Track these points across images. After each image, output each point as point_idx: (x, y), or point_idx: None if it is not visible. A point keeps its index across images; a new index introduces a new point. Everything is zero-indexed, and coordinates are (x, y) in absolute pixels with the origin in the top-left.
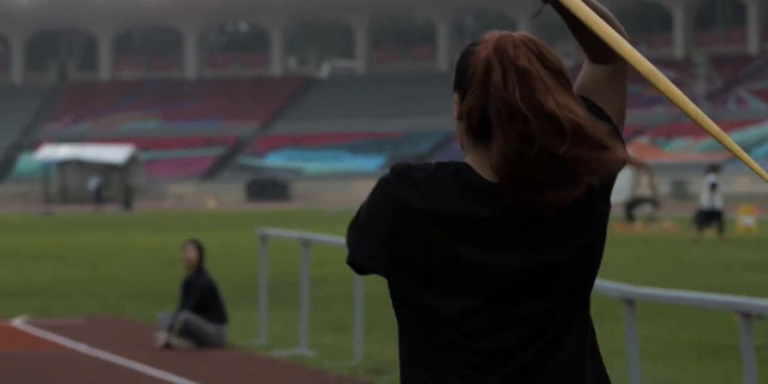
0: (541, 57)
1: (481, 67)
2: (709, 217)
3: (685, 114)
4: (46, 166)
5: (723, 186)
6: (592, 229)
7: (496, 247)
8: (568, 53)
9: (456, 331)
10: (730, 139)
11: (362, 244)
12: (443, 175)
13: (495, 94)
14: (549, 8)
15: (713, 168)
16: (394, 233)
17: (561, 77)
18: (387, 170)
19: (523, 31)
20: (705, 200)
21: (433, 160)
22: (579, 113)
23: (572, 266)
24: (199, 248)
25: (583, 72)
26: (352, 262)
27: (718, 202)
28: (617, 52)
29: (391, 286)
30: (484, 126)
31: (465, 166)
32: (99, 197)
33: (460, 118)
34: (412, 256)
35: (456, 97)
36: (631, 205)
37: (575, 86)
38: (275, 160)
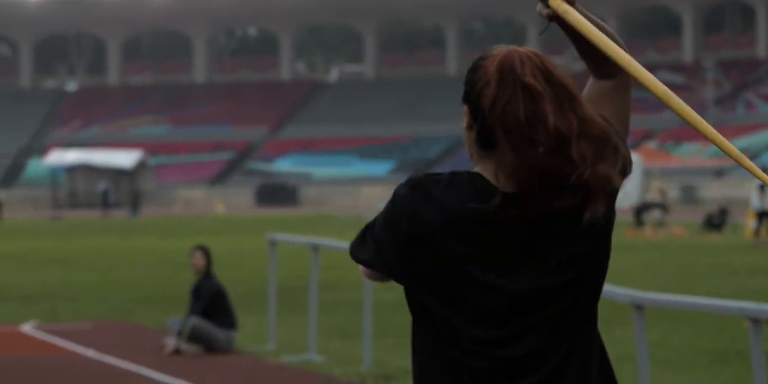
0: (547, 73)
1: (488, 82)
2: (761, 218)
3: (702, 133)
4: (55, 171)
5: (731, 191)
6: (598, 242)
7: (507, 261)
8: (576, 58)
9: (470, 340)
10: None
11: (372, 249)
12: (458, 183)
13: (502, 109)
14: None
15: (764, 170)
16: (409, 246)
17: (566, 91)
18: (403, 182)
19: (528, 48)
20: (755, 202)
21: (442, 165)
22: (579, 126)
23: (579, 281)
24: (207, 254)
25: (589, 86)
26: (360, 260)
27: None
28: (628, 71)
29: (406, 290)
30: (491, 137)
31: (477, 175)
32: (106, 202)
33: (469, 128)
34: (425, 270)
35: (465, 108)
36: (641, 210)
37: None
38: (284, 165)
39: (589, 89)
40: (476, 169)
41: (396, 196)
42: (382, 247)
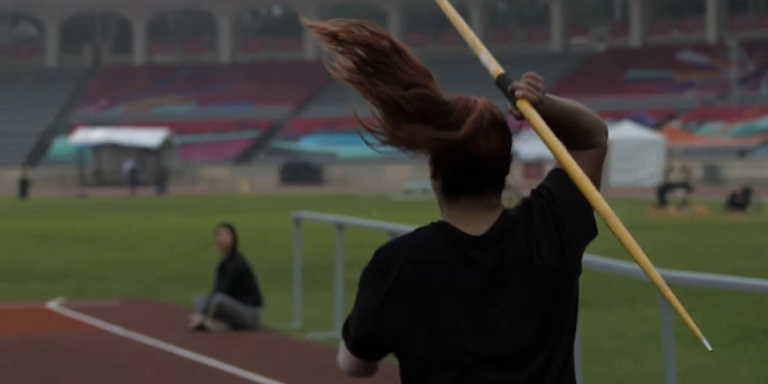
0: (495, 122)
1: None
2: None
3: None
4: (81, 150)
5: (755, 171)
6: (562, 293)
7: (478, 300)
8: (601, 37)
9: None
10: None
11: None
12: (422, 235)
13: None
14: None
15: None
16: (390, 307)
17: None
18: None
19: (485, 98)
20: None
21: None
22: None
23: (549, 328)
24: (232, 231)
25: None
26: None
27: None
28: (573, 179)
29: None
30: (454, 184)
31: (441, 224)
32: (133, 180)
33: (435, 176)
34: (406, 327)
35: (429, 157)
36: (664, 189)
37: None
38: (309, 144)
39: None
40: (443, 216)
41: (364, 272)
42: (365, 315)
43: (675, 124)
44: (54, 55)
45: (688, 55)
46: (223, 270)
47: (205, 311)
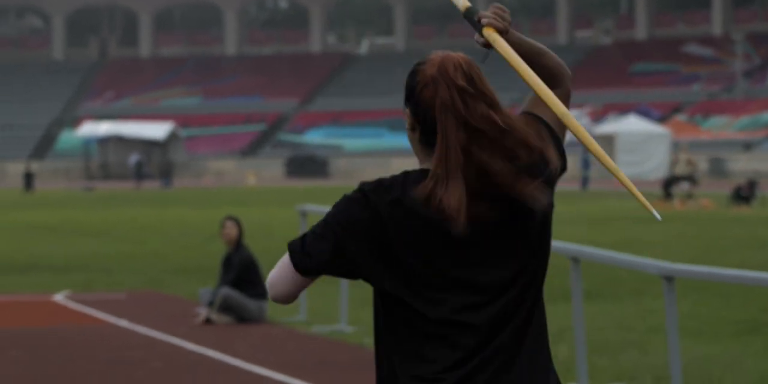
0: (471, 79)
1: (427, 84)
2: None
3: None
4: (87, 143)
5: (760, 164)
6: (543, 227)
7: (465, 241)
8: (607, 30)
9: (436, 324)
10: (622, 174)
11: (318, 248)
12: (412, 178)
13: (442, 107)
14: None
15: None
16: (370, 239)
17: (490, 96)
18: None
19: (462, 54)
20: None
21: None
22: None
23: (524, 269)
24: (238, 224)
25: (532, 96)
26: (298, 260)
27: None
28: (541, 100)
29: (375, 288)
30: (433, 136)
31: (425, 172)
32: (139, 173)
33: (412, 129)
34: (388, 259)
35: (407, 110)
36: (669, 182)
37: (525, 105)
38: (315, 137)
39: (532, 96)
40: (423, 166)
41: (347, 197)
42: (343, 240)
43: (680, 117)
44: (60, 48)
45: (693, 48)
46: (228, 263)
47: (210, 304)
